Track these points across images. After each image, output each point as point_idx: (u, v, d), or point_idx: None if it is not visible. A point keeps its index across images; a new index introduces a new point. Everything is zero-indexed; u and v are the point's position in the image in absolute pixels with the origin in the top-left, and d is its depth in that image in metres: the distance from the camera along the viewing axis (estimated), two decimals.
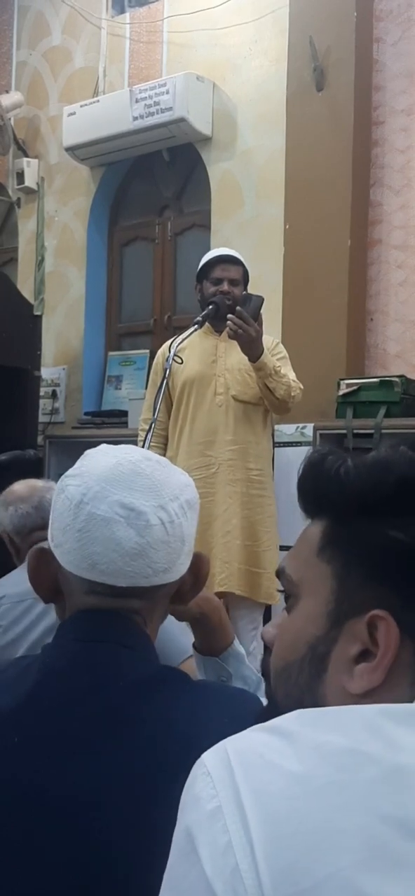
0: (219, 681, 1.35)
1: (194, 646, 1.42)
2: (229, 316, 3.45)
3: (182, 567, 1.14)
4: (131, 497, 1.09)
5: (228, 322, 3.44)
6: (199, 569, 1.19)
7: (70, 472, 1.15)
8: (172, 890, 0.66)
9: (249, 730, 0.72)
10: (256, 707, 1.11)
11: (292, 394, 3.65)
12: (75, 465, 1.16)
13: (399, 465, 0.77)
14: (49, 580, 1.16)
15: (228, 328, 3.46)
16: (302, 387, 3.74)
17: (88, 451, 1.17)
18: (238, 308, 3.45)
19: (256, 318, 3.47)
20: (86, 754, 1.01)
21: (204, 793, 0.67)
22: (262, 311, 3.50)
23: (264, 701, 1.15)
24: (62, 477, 1.15)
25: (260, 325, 3.50)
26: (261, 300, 3.48)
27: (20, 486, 2.45)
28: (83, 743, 1.02)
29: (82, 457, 1.17)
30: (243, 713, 1.07)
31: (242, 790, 0.65)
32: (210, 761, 0.69)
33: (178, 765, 1.01)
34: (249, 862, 0.63)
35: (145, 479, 1.10)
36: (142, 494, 1.09)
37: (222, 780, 0.67)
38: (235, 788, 0.66)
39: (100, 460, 1.13)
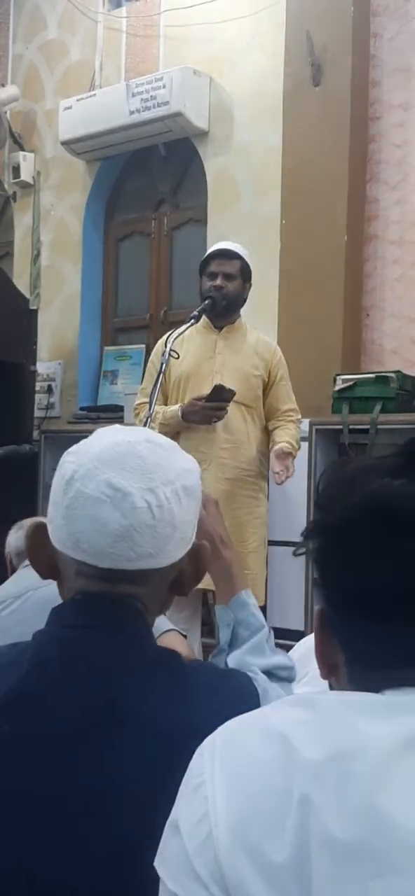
0: (227, 624, 1.35)
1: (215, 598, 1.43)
2: (275, 473, 3.58)
3: (174, 554, 1.10)
4: (120, 477, 1.07)
5: (278, 472, 3.58)
6: (198, 558, 1.16)
7: (72, 448, 1.14)
8: (159, 856, 0.75)
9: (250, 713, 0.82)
10: (246, 687, 1.12)
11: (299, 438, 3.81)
12: (80, 442, 1.15)
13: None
14: (46, 556, 1.14)
15: (276, 479, 3.60)
16: (300, 417, 3.83)
17: (99, 430, 1.16)
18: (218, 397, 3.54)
19: (223, 407, 3.57)
20: (75, 746, 1.00)
21: (195, 771, 0.76)
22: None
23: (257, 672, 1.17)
24: (65, 452, 1.14)
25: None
26: (232, 394, 3.55)
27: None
28: (73, 733, 1.01)
29: (92, 434, 1.16)
30: (233, 696, 1.09)
31: (217, 768, 0.74)
32: (205, 743, 0.78)
33: (172, 755, 1.00)
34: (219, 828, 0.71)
35: (139, 460, 1.08)
36: (131, 475, 1.07)
37: (210, 758, 0.75)
38: (213, 766, 0.75)
39: (100, 439, 1.12)
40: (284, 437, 3.66)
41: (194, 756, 0.78)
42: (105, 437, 1.12)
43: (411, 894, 0.66)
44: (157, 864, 0.75)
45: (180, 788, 0.77)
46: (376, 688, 0.78)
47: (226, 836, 0.70)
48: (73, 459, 1.11)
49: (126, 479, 1.07)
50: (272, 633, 1.35)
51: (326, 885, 0.67)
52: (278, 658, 1.32)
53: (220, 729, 0.79)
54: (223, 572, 1.38)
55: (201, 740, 0.97)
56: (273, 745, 0.74)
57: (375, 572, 0.78)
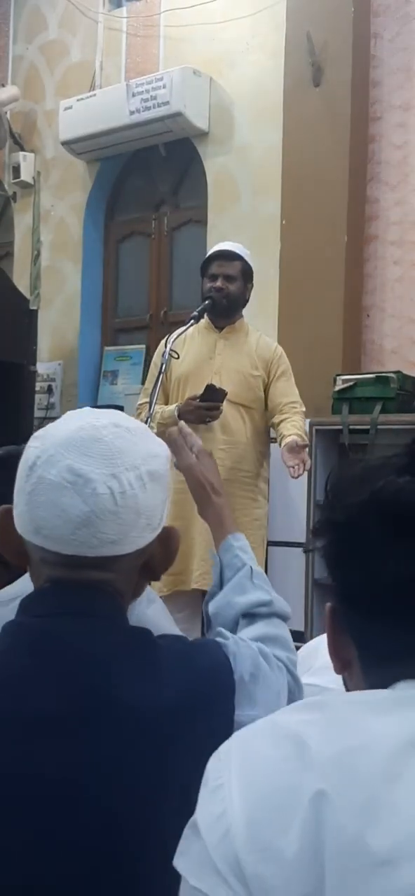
0: (218, 566, 1.37)
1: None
2: (290, 467, 3.45)
3: (139, 540, 1.08)
4: (82, 463, 1.05)
5: (292, 466, 3.45)
6: (168, 542, 1.15)
7: (38, 432, 1.12)
8: (178, 855, 0.78)
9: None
10: (218, 656, 1.11)
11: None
12: (47, 426, 1.13)
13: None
14: (14, 543, 1.12)
15: (292, 473, 3.47)
16: (304, 409, 3.75)
17: (68, 413, 1.15)
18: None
19: (216, 406, 3.52)
20: (48, 735, 0.99)
21: (212, 774, 0.80)
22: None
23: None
24: (31, 437, 1.13)
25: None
26: (223, 394, 3.52)
27: None
28: (45, 724, 1.00)
29: (61, 417, 1.14)
30: (206, 669, 1.09)
31: (233, 770, 0.78)
32: (222, 748, 0.81)
33: (151, 736, 1.00)
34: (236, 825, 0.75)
35: (103, 445, 1.06)
36: (94, 461, 1.05)
37: (227, 762, 0.79)
38: (230, 768, 0.78)
39: (66, 423, 1.10)
40: (292, 429, 3.57)
41: (211, 760, 0.81)
42: (71, 422, 1.10)
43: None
44: (176, 862, 0.78)
45: (200, 793, 0.80)
46: (388, 681, 0.81)
47: (243, 832, 0.74)
48: (37, 444, 1.09)
49: (88, 464, 1.05)
50: (256, 571, 1.35)
51: (338, 875, 0.70)
52: (257, 595, 1.31)
53: (235, 735, 0.82)
54: (214, 518, 1.42)
55: (177, 717, 1.01)
56: (286, 744, 0.77)
57: (380, 567, 0.81)
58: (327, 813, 0.72)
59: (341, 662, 0.89)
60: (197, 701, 1.05)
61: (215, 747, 1.04)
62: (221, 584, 1.36)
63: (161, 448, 1.15)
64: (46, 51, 6.22)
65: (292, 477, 3.50)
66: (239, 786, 0.76)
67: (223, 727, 1.06)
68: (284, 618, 1.33)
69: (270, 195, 4.97)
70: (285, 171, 4.90)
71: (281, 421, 3.64)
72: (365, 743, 0.75)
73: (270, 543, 4.08)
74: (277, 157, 4.94)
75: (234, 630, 1.28)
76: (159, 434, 1.13)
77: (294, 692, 1.23)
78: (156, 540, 1.12)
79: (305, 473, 4.19)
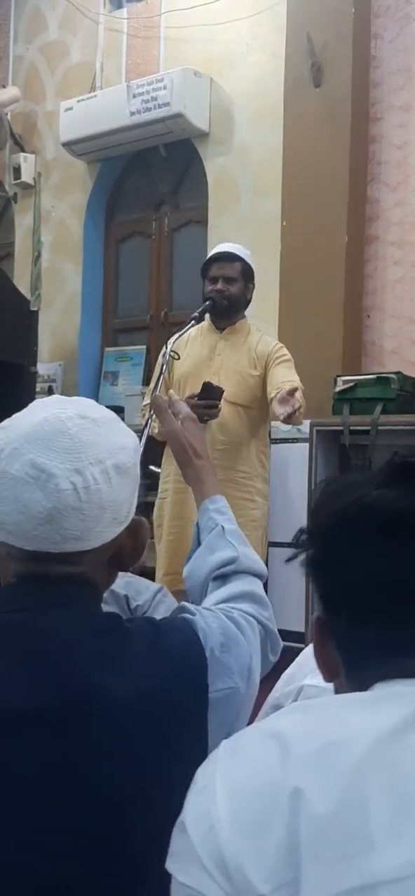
0: (195, 529, 1.39)
1: None
2: (279, 413, 3.31)
3: (104, 534, 1.07)
4: (45, 457, 1.03)
5: (282, 413, 3.29)
6: (137, 535, 1.14)
7: (3, 422, 1.10)
8: (169, 856, 0.81)
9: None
10: (188, 634, 1.10)
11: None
12: (13, 415, 1.11)
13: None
14: None
15: (283, 418, 3.32)
16: (303, 388, 3.66)
17: (34, 402, 1.13)
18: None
19: (215, 405, 3.42)
20: (25, 731, 0.98)
21: (199, 778, 0.83)
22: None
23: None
24: None
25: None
26: (221, 391, 3.44)
27: None
28: (21, 717, 0.98)
29: (28, 406, 1.12)
30: (178, 648, 1.08)
31: (218, 771, 0.81)
32: (210, 756, 0.85)
33: (130, 724, 0.99)
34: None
35: (67, 438, 1.04)
36: (58, 455, 1.03)
37: (213, 765, 0.82)
38: (215, 770, 0.82)
39: (32, 414, 1.09)
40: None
41: (200, 767, 0.84)
42: (37, 412, 1.08)
43: (388, 870, 0.73)
44: (168, 864, 0.81)
45: (188, 795, 0.83)
46: (369, 682, 0.85)
47: (227, 829, 0.77)
48: (2, 436, 1.07)
49: (52, 459, 1.03)
50: (228, 529, 1.37)
51: (312, 862, 0.73)
52: (226, 553, 1.32)
53: (223, 742, 0.85)
54: (195, 480, 1.45)
55: (153, 702, 1.02)
56: (269, 744, 0.81)
57: (356, 573, 0.86)
58: (303, 809, 0.75)
59: (328, 671, 0.93)
60: (170, 683, 1.04)
61: (193, 728, 1.05)
62: (198, 547, 1.37)
63: (129, 439, 1.13)
64: (47, 51, 6.23)
65: (281, 420, 3.37)
66: (223, 785, 0.80)
67: (198, 706, 1.06)
68: (256, 574, 1.32)
69: (270, 195, 4.98)
70: (286, 172, 4.90)
71: (276, 394, 3.47)
72: (343, 738, 0.79)
73: (271, 544, 4.07)
74: (277, 157, 4.94)
75: (204, 591, 1.29)
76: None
77: (267, 645, 1.23)
78: (125, 532, 1.11)
79: (306, 474, 4.20)
